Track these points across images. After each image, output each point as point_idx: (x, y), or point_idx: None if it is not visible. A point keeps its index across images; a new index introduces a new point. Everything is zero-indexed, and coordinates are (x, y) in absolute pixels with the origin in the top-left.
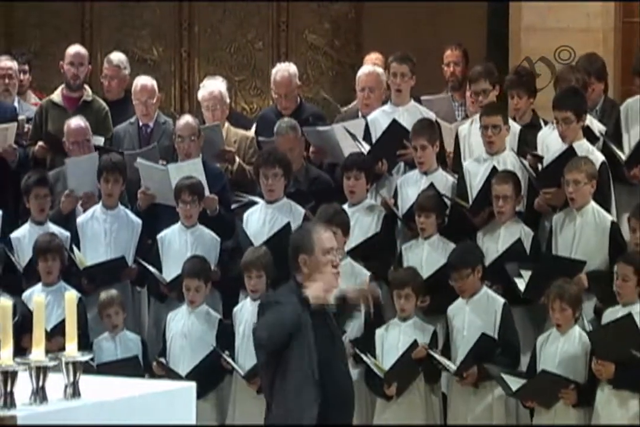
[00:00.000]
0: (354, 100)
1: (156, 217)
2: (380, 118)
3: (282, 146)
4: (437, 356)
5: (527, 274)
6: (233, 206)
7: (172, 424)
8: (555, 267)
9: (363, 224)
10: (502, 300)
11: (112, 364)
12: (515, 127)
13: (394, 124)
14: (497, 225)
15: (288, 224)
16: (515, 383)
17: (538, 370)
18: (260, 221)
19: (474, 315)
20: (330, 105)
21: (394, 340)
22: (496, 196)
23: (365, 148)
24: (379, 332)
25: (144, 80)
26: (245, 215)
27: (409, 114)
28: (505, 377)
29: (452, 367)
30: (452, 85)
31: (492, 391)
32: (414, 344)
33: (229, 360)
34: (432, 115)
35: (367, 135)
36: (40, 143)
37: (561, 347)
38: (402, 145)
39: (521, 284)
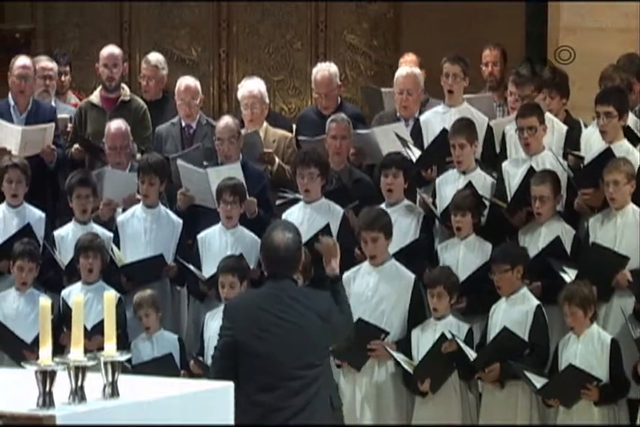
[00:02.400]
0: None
1: (195, 220)
2: (432, 119)
3: (335, 133)
4: (462, 344)
5: (570, 271)
6: (277, 202)
7: (210, 424)
8: (600, 258)
9: (402, 225)
10: (536, 302)
11: (146, 364)
12: (561, 127)
13: (445, 133)
14: (538, 224)
15: (327, 225)
16: (539, 382)
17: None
18: (298, 220)
19: (509, 314)
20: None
21: (429, 339)
22: (534, 197)
23: (415, 153)
24: (414, 332)
25: (187, 81)
26: (284, 215)
27: (461, 116)
28: (529, 375)
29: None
30: (490, 86)
31: (520, 389)
32: (442, 337)
33: None
34: (484, 118)
35: (418, 137)
36: (76, 146)
37: (580, 349)
38: (450, 153)
39: (568, 279)
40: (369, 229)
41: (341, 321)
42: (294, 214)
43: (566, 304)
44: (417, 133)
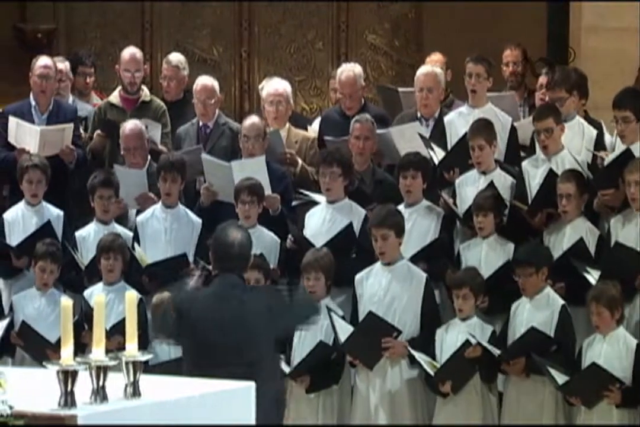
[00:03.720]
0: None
1: (218, 217)
2: (456, 120)
3: (359, 133)
4: (486, 344)
5: (594, 271)
6: (294, 203)
7: (232, 424)
8: (624, 259)
9: (421, 226)
10: (561, 301)
11: (162, 365)
12: (591, 131)
13: (465, 140)
14: (563, 223)
15: (350, 225)
16: (562, 378)
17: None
18: (320, 220)
19: (534, 314)
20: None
21: (453, 340)
22: (560, 195)
23: (438, 152)
24: (438, 332)
25: (204, 80)
26: (307, 215)
27: (483, 116)
28: (552, 370)
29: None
30: (510, 85)
31: (545, 389)
32: (467, 343)
33: None
34: (508, 119)
35: (442, 137)
36: (97, 131)
37: (605, 349)
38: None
39: (592, 279)
40: (379, 226)
41: (293, 305)
42: (317, 214)
43: (593, 304)
44: (440, 134)
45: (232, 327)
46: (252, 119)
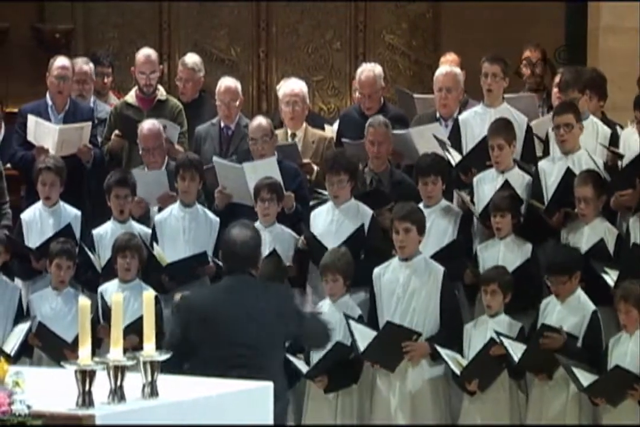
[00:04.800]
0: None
1: (234, 219)
2: (471, 119)
3: (373, 138)
4: (510, 347)
5: (612, 272)
6: (312, 203)
7: (249, 424)
8: None
9: (439, 226)
10: (592, 306)
11: None
12: (606, 130)
13: (484, 142)
14: (581, 223)
15: (361, 227)
16: (585, 378)
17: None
18: (327, 221)
19: (565, 316)
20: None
21: (481, 337)
22: (578, 198)
23: (454, 154)
24: (467, 327)
25: (228, 82)
26: (312, 215)
27: (500, 116)
28: (576, 370)
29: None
30: (529, 87)
31: (568, 389)
32: (491, 341)
33: (293, 359)
34: (523, 118)
35: (457, 136)
36: (115, 132)
37: (631, 348)
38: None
39: (610, 280)
40: (402, 220)
41: (309, 324)
42: (323, 215)
43: (622, 302)
44: (455, 133)
45: (240, 323)
46: (257, 120)
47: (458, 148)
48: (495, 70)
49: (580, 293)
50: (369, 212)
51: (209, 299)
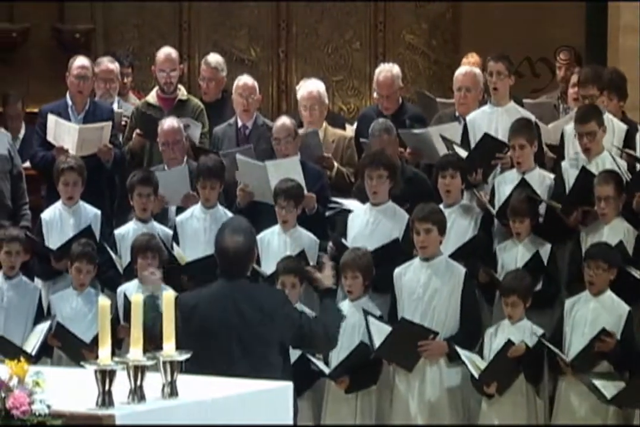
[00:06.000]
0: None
1: (256, 217)
2: (479, 119)
3: (375, 148)
4: (550, 345)
5: (634, 272)
6: (327, 213)
7: (269, 424)
8: None
9: (460, 226)
10: (627, 307)
11: None
12: (621, 127)
13: (486, 138)
14: (600, 224)
15: (397, 240)
16: (608, 389)
17: None
18: (363, 222)
19: (600, 314)
20: (427, 100)
21: (502, 342)
22: (598, 197)
23: (461, 154)
24: (488, 333)
25: (245, 79)
26: (349, 217)
27: (507, 115)
28: (598, 382)
29: (565, 357)
30: (562, 91)
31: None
32: (509, 343)
33: (314, 360)
34: (531, 117)
35: (465, 136)
36: (137, 131)
37: None
38: (495, 156)
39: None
40: (423, 220)
41: (309, 327)
42: (360, 216)
43: None
44: (465, 133)
45: (233, 324)
46: (282, 120)
47: (468, 148)
48: (500, 68)
49: (611, 293)
50: (405, 215)
51: (201, 303)
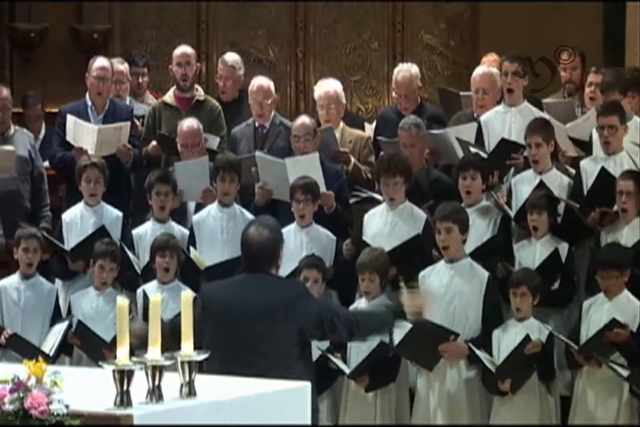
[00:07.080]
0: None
1: (274, 216)
2: (493, 119)
3: (404, 141)
4: (564, 338)
5: None
6: (351, 201)
7: (287, 424)
8: None
9: (479, 226)
10: None
11: None
12: (638, 122)
13: (503, 142)
14: (620, 224)
15: (417, 236)
16: (625, 371)
17: None
18: (381, 222)
19: (611, 314)
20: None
21: (511, 341)
22: (620, 192)
23: (483, 154)
24: (495, 332)
25: (260, 81)
26: (366, 216)
27: (521, 116)
28: (614, 366)
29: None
30: (568, 91)
31: (619, 390)
32: (527, 339)
33: (334, 359)
34: (544, 117)
35: (479, 137)
36: (153, 143)
37: None
38: (510, 157)
39: None
40: (443, 220)
41: (330, 318)
42: (377, 216)
43: None
44: (478, 133)
45: (251, 312)
46: (302, 119)
47: (482, 148)
48: (514, 69)
49: (627, 292)
50: (422, 215)
51: (220, 293)
